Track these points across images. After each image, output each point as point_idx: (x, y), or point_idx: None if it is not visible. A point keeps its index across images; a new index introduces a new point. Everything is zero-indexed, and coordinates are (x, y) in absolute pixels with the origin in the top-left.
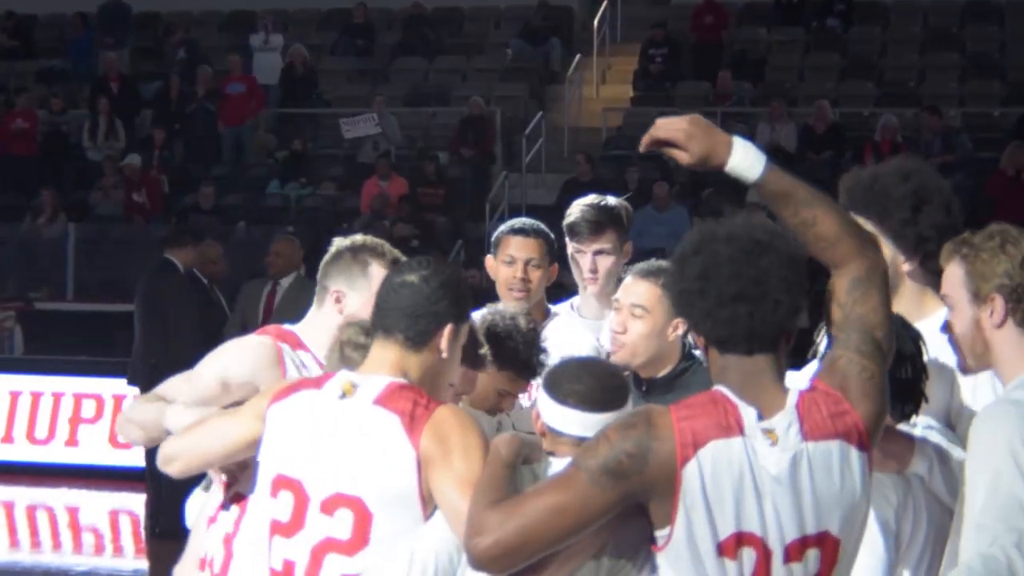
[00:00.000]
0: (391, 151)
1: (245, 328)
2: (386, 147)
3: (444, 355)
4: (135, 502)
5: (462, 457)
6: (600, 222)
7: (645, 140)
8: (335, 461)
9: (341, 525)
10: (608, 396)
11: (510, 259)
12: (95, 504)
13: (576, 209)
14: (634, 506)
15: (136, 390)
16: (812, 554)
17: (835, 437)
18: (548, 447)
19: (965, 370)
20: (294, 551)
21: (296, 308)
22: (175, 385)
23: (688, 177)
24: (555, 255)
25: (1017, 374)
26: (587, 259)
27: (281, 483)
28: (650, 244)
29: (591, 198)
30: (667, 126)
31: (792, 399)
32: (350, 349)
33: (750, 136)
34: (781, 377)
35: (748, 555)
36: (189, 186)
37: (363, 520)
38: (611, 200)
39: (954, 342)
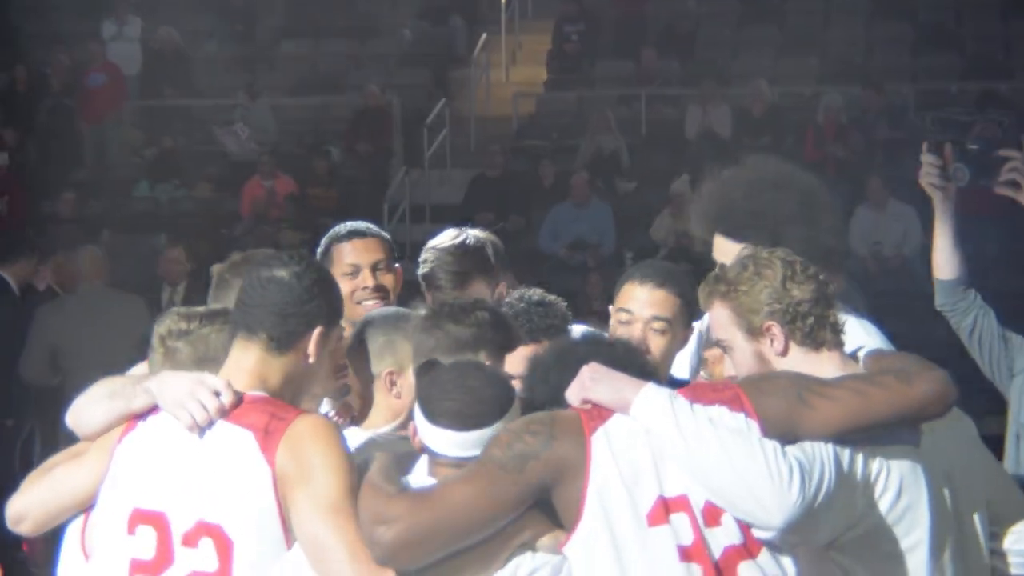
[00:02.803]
0: (271, 149)
1: None
2: (256, 145)
3: (311, 360)
4: None
5: (322, 476)
6: (463, 272)
7: None
8: (193, 487)
9: (206, 557)
10: (484, 409)
11: (352, 268)
12: None
13: (431, 255)
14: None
15: None
16: (729, 518)
17: (716, 403)
18: (429, 470)
19: None
20: None
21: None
22: None
23: (611, 171)
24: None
25: None
26: None
27: (139, 518)
28: (568, 241)
29: (448, 237)
30: None
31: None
32: (172, 340)
33: (680, 117)
34: None
35: (680, 519)
36: (46, 191)
37: (225, 548)
38: (472, 237)
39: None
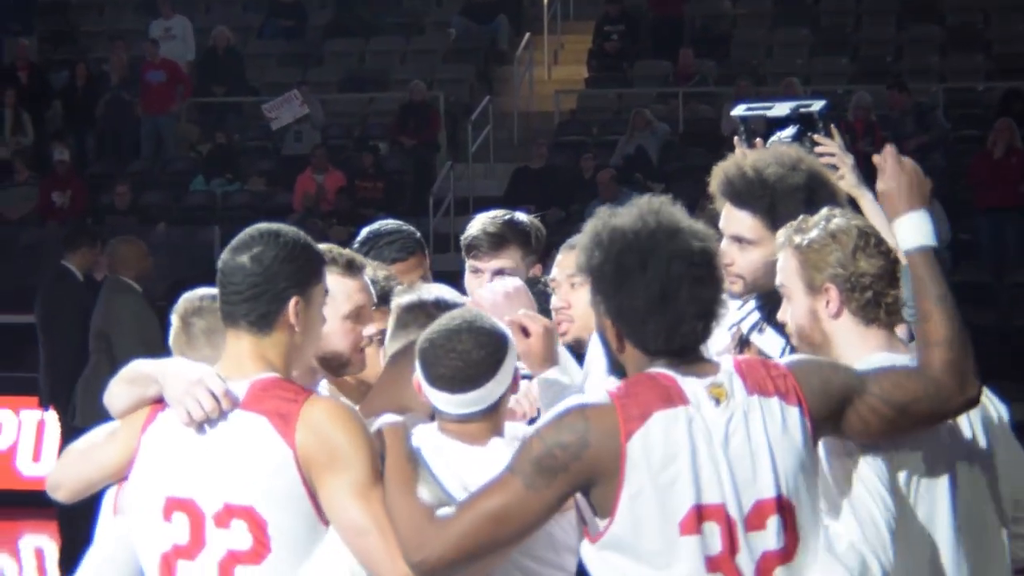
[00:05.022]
0: (322, 142)
1: None
2: (311, 135)
3: (298, 329)
4: (46, 531)
5: (349, 461)
6: (502, 236)
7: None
8: (216, 472)
9: (239, 536)
10: (475, 372)
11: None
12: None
13: (476, 223)
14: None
15: (53, 415)
16: (773, 522)
17: (775, 394)
18: (439, 424)
19: None
20: (201, 571)
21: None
22: None
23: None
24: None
25: (860, 358)
26: (485, 280)
27: (173, 505)
28: None
29: (494, 212)
30: (892, 153)
31: (728, 362)
32: (189, 316)
33: (716, 115)
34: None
35: (711, 529)
36: (105, 184)
37: (258, 527)
38: (520, 215)
39: (789, 333)
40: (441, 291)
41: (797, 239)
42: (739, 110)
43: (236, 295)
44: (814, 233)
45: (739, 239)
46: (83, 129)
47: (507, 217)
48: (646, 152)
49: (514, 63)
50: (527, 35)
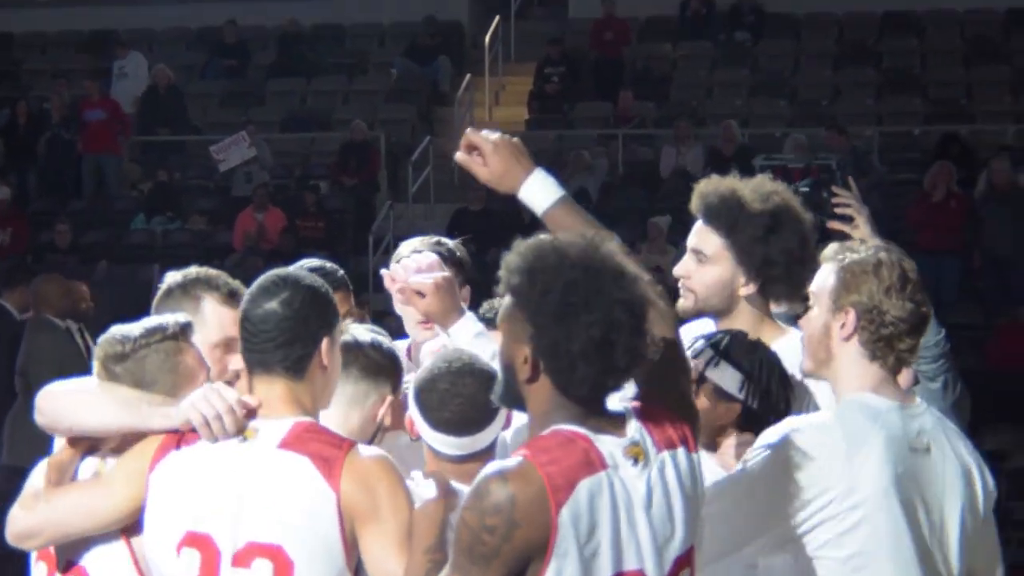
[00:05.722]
0: (267, 182)
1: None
2: (260, 176)
3: (329, 369)
4: None
5: (392, 514)
6: None
7: (461, 143)
8: (245, 510)
9: None
10: (480, 415)
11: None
12: None
13: (405, 247)
14: None
15: None
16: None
17: (680, 444)
18: (430, 465)
19: (803, 371)
20: None
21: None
22: None
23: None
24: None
25: (850, 390)
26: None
27: (187, 541)
28: None
29: (421, 237)
30: (481, 135)
31: (632, 416)
32: (112, 363)
33: (655, 157)
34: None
35: None
36: (46, 222)
37: (283, 569)
38: (448, 241)
39: (803, 340)
40: (372, 333)
41: (843, 256)
42: (758, 160)
43: (269, 342)
44: (860, 257)
45: (698, 253)
46: (24, 167)
47: (435, 240)
48: (587, 193)
49: (455, 104)
50: (468, 76)
